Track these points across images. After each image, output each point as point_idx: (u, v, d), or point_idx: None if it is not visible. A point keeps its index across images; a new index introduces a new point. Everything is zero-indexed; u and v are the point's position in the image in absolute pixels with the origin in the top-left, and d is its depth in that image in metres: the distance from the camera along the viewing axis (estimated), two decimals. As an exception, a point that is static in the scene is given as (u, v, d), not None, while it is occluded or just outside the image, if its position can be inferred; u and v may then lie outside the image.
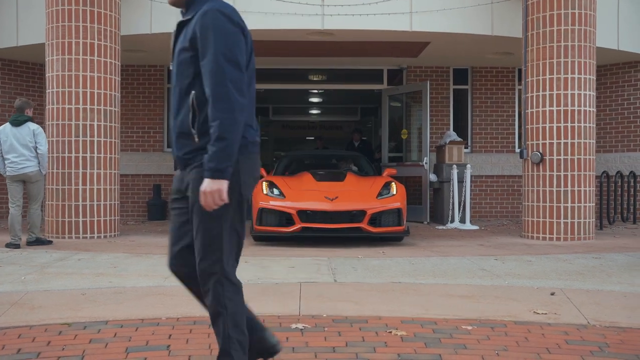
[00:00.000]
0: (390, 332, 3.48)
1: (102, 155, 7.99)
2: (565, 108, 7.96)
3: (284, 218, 7.20)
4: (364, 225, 7.18)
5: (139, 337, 3.39)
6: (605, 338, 3.45)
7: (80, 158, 7.89)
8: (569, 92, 7.95)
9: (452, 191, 10.02)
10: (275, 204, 7.23)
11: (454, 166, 10.05)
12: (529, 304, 4.26)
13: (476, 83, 11.61)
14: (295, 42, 9.67)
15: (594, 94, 8.19)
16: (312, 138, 20.68)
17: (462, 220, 9.97)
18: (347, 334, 3.47)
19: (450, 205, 10.08)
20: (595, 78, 8.21)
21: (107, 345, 3.23)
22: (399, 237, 7.56)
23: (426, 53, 10.49)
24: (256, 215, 7.26)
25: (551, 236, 8.02)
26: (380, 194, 7.41)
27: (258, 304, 4.20)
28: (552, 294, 4.63)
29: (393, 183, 7.65)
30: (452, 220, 10.03)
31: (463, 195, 9.97)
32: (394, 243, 7.69)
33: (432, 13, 8.90)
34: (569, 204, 7.97)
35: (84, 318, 3.79)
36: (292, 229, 7.16)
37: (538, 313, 4.01)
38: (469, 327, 3.62)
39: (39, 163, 7.11)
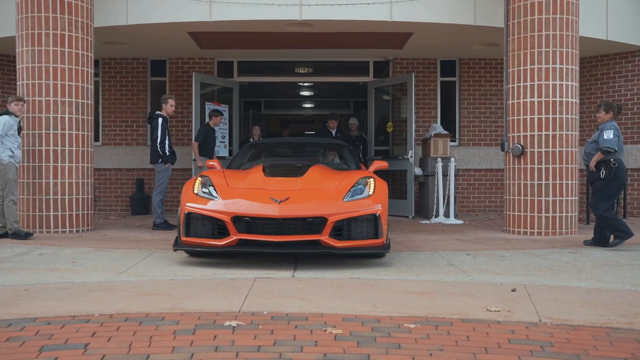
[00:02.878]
0: (326, 330, 3.32)
1: (73, 148, 7.85)
2: (546, 99, 7.76)
3: (217, 227, 5.30)
4: (323, 237, 5.16)
5: (61, 335, 3.24)
6: (552, 337, 3.27)
7: (51, 151, 7.75)
8: (551, 82, 7.74)
9: (437, 185, 9.84)
10: (205, 207, 5.34)
11: (439, 159, 9.85)
12: (485, 301, 4.09)
13: (464, 75, 11.39)
14: (276, 33, 9.49)
15: (577, 84, 7.97)
16: (312, 133, 20.54)
17: (447, 215, 9.79)
18: (281, 332, 3.30)
19: (435, 200, 9.89)
20: (578, 68, 7.99)
21: (22, 344, 3.08)
22: (377, 253, 5.63)
23: (411, 44, 10.28)
24: (183, 221, 5.39)
25: (532, 231, 7.82)
26: (349, 195, 5.45)
27: (202, 300, 4.06)
28: (513, 290, 4.45)
29: (371, 180, 5.68)
30: (437, 215, 9.85)
31: (447, 189, 9.78)
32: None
33: (413, 3, 8.70)
34: (550, 198, 7.78)
35: (15, 315, 3.64)
36: (224, 242, 5.22)
37: (490, 310, 3.83)
38: (412, 326, 3.45)
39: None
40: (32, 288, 4.44)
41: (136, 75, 11.34)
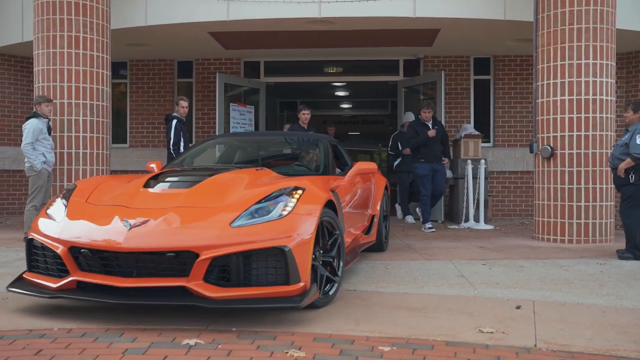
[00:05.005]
0: (287, 352, 3.02)
1: (88, 150, 7.79)
2: (578, 97, 7.22)
3: (57, 261, 3.74)
4: (192, 283, 3.45)
5: None
6: (541, 367, 2.89)
7: (65, 154, 7.71)
8: (583, 79, 7.20)
9: (467, 188, 9.37)
10: (42, 232, 3.85)
11: (469, 161, 9.38)
12: (482, 320, 3.71)
13: (499, 73, 10.86)
14: (299, 32, 9.24)
15: (613, 81, 7.40)
16: (358, 134, 20.27)
17: (477, 219, 9.31)
18: (239, 352, 3.03)
19: (465, 204, 9.43)
20: (614, 64, 7.42)
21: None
22: (289, 306, 3.59)
23: (441, 41, 9.85)
24: (26, 251, 4.00)
25: (562, 238, 7.30)
26: (246, 216, 3.68)
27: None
28: (518, 307, 4.05)
29: (298, 193, 3.88)
30: (467, 220, 9.38)
31: (477, 192, 9.31)
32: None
33: (437, -3, 8.29)
34: (582, 203, 7.24)
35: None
36: (59, 285, 3.66)
37: (483, 332, 3.46)
38: (386, 349, 3.11)
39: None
40: None
41: (163, 77, 11.30)
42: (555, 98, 7.33)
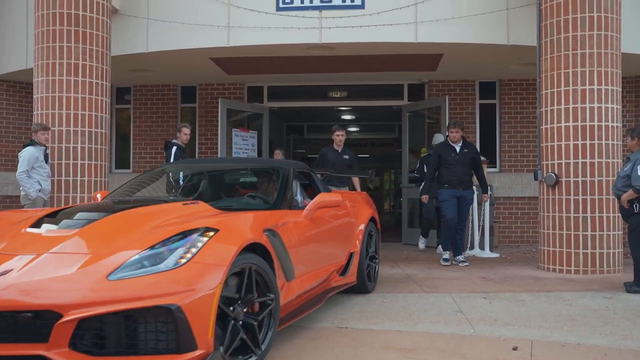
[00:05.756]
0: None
1: (85, 178, 7.72)
2: (583, 124, 7.05)
3: None
4: (52, 353, 2.83)
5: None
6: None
7: (63, 182, 7.64)
8: (588, 105, 7.04)
9: (472, 215, 9.18)
10: None
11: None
12: (475, 363, 3.53)
13: (504, 97, 10.72)
14: (301, 57, 9.18)
15: (619, 107, 7.22)
16: (367, 156, 20.15)
17: (482, 247, 9.11)
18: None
19: (470, 230, 9.23)
20: (620, 89, 7.25)
21: None
22: None
23: (445, 66, 9.74)
24: None
25: (569, 269, 7.08)
26: (129, 266, 3.04)
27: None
28: (515, 348, 3.87)
29: (206, 236, 3.24)
30: (472, 247, 9.17)
31: (482, 219, 9.11)
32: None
33: (439, 22, 8.18)
34: (589, 232, 7.02)
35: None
36: None
37: (474, 377, 3.28)
38: (369, 398, 2.95)
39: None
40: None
41: (166, 102, 11.27)
42: (559, 124, 7.17)
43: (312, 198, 4.86)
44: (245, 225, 3.62)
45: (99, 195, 5.01)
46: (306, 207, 4.54)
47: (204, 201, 4.29)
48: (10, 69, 10.06)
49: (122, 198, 4.79)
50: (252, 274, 3.37)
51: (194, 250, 3.12)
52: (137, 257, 3.07)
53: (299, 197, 4.95)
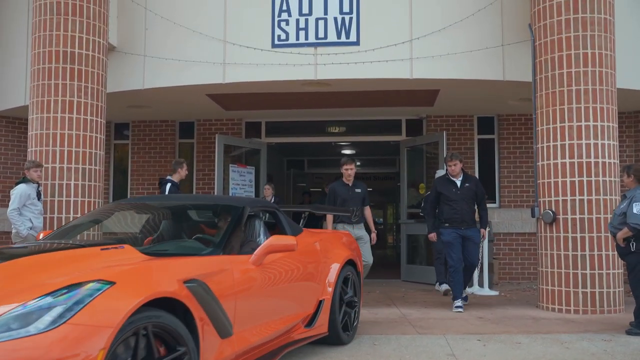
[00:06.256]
0: None
1: (79, 215, 7.65)
2: (579, 160, 6.97)
3: None
4: None
5: None
6: None
7: (55, 219, 7.57)
8: (584, 141, 6.97)
9: (470, 252, 9.02)
10: None
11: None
12: (462, 414, 3.39)
13: (503, 132, 10.67)
14: (297, 93, 9.19)
15: (616, 143, 7.15)
16: (370, 189, 19.99)
17: (481, 284, 8.95)
18: None
19: (469, 268, 9.06)
20: (617, 126, 7.19)
21: None
22: None
23: (442, 101, 9.72)
24: None
25: (568, 308, 6.92)
26: None
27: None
28: (505, 397, 3.71)
29: (100, 289, 2.78)
30: (471, 284, 9.01)
31: (481, 255, 8.96)
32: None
33: (434, 59, 8.18)
34: (588, 271, 6.88)
35: None
36: None
37: None
38: None
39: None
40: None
41: (164, 138, 11.28)
42: (556, 161, 7.09)
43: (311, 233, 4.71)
44: (158, 276, 3.15)
45: (41, 235, 4.58)
46: (255, 252, 4.04)
47: (163, 240, 4.03)
48: (9, 105, 10.10)
49: (48, 241, 4.19)
50: (150, 335, 2.84)
51: (76, 308, 2.61)
52: (3, 317, 2.53)
53: (261, 239, 4.44)
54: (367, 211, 7.68)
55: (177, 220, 4.90)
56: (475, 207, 7.36)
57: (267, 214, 5.34)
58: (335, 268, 5.14)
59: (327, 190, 10.72)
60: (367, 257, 7.23)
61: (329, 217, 7.58)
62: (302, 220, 6.11)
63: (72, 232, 4.57)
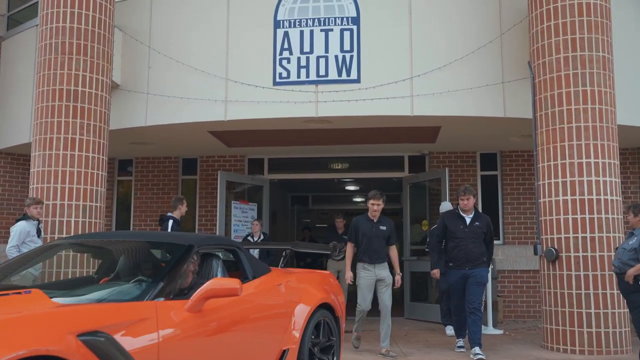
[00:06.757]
0: None
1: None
2: (581, 197, 6.92)
3: None
4: None
5: None
6: None
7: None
8: (585, 178, 6.93)
9: (474, 289, 8.90)
10: None
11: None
12: None
13: (506, 168, 10.64)
14: (298, 130, 9.22)
15: (618, 180, 7.10)
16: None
17: (485, 323, 8.79)
18: None
19: (472, 306, 8.92)
20: (618, 163, 7.15)
21: None
22: None
23: (444, 138, 9.73)
24: None
25: (573, 348, 6.78)
26: None
27: None
28: None
29: None
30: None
31: (485, 293, 8.84)
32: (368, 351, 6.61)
33: (435, 96, 8.22)
34: (592, 310, 6.76)
35: None
36: None
37: None
38: None
39: None
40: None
41: (167, 174, 11.32)
42: (557, 198, 7.04)
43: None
44: (42, 328, 2.68)
45: None
46: (191, 298, 3.54)
47: (120, 280, 3.57)
48: (14, 142, 10.21)
49: None
50: None
51: None
52: None
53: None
54: (393, 251, 7.00)
55: (135, 259, 4.36)
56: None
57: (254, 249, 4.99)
58: (304, 312, 4.61)
59: (336, 224, 10.63)
60: (386, 300, 6.69)
61: (349, 255, 7.03)
62: (282, 260, 5.64)
63: (5, 272, 4.08)
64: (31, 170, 7.90)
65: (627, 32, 8.53)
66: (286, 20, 8.48)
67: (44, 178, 7.69)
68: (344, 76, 8.34)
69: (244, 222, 10.55)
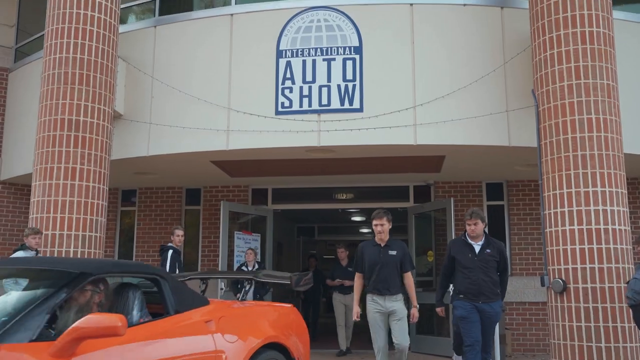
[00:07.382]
0: None
1: (76, 283, 7.53)
2: (589, 227, 6.75)
3: None
4: None
5: None
6: None
7: None
8: (592, 208, 6.77)
9: (481, 322, 8.67)
10: None
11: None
12: None
13: (513, 198, 10.50)
14: (301, 160, 9.16)
15: (626, 209, 6.94)
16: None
17: (493, 357, 8.54)
18: None
19: (480, 339, 8.68)
20: (626, 192, 7.00)
21: None
22: None
23: (448, 167, 9.62)
24: None
25: (583, 384, 6.54)
26: None
27: None
28: None
29: None
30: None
31: (492, 327, 8.61)
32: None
33: (439, 125, 8.14)
34: (603, 344, 6.54)
35: None
36: None
37: None
38: None
39: None
40: None
41: (171, 204, 11.26)
42: (564, 227, 6.88)
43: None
44: None
45: None
46: (59, 338, 2.89)
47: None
48: (18, 173, 10.22)
49: None
50: None
51: None
52: None
53: (133, 315, 3.51)
54: (408, 278, 6.16)
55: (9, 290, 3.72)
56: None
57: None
58: (240, 355, 3.89)
59: (338, 255, 10.43)
60: (399, 337, 5.92)
61: (357, 288, 6.30)
62: (242, 292, 5.10)
63: None
64: (31, 200, 7.85)
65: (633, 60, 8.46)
66: (288, 49, 8.49)
67: (44, 208, 7.63)
68: (346, 105, 8.29)
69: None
